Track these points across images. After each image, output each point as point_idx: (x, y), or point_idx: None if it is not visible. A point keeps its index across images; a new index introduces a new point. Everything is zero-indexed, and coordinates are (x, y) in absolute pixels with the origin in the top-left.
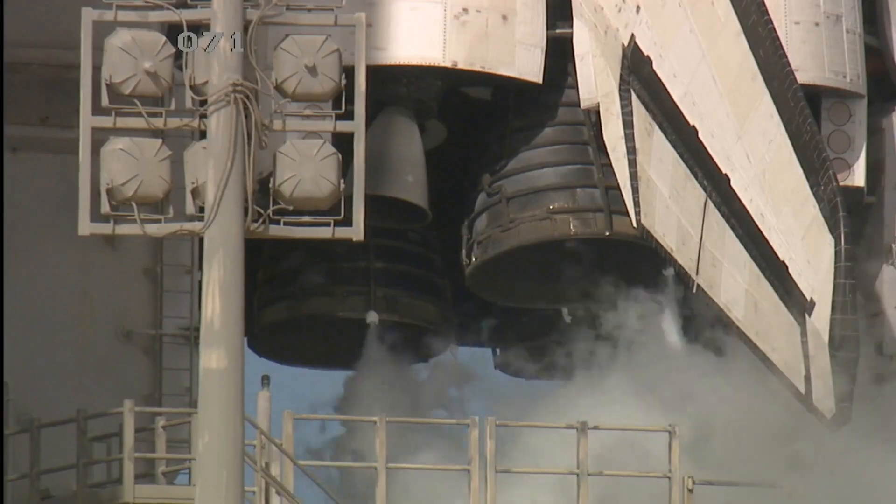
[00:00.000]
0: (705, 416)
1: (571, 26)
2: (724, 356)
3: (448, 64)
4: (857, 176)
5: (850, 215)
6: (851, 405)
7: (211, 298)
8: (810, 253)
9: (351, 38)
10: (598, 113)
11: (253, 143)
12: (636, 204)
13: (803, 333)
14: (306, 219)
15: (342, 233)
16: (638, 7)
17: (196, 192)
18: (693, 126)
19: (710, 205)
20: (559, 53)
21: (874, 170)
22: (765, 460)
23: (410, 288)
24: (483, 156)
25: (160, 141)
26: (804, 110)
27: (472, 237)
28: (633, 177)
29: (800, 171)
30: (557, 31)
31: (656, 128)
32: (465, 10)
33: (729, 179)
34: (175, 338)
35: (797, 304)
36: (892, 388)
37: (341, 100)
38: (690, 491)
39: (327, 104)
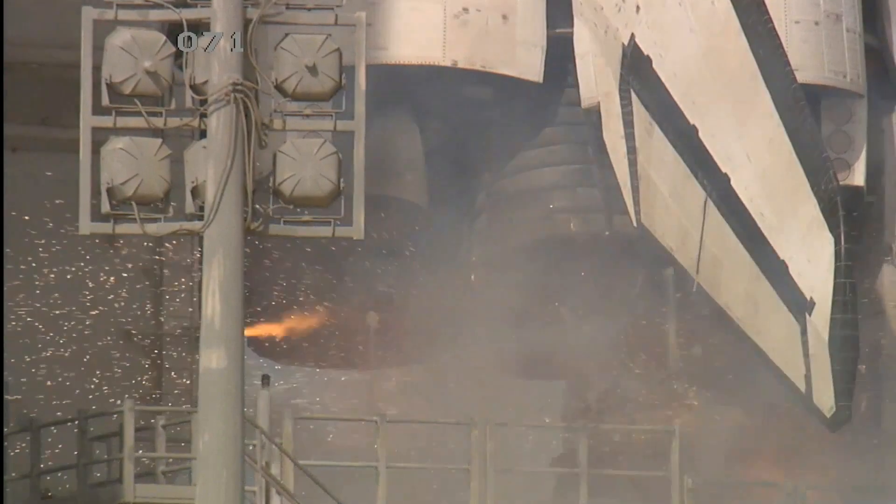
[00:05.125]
0: None
1: (571, 26)
2: None
3: (448, 63)
4: (858, 175)
5: (850, 215)
6: (851, 404)
7: (211, 298)
8: (810, 252)
9: (351, 38)
10: (598, 112)
11: (253, 143)
12: (636, 203)
13: (803, 333)
14: (306, 218)
15: (342, 232)
16: (638, 6)
17: (196, 192)
18: (693, 125)
19: (711, 204)
20: (559, 53)
21: (874, 170)
22: None
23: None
24: (483, 155)
25: (160, 140)
26: (804, 110)
27: (472, 236)
28: (634, 176)
29: (800, 170)
30: (557, 30)
31: (656, 127)
32: (465, 9)
33: (729, 179)
34: (175, 338)
35: (797, 303)
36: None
37: (341, 99)
38: (690, 490)
39: (327, 103)
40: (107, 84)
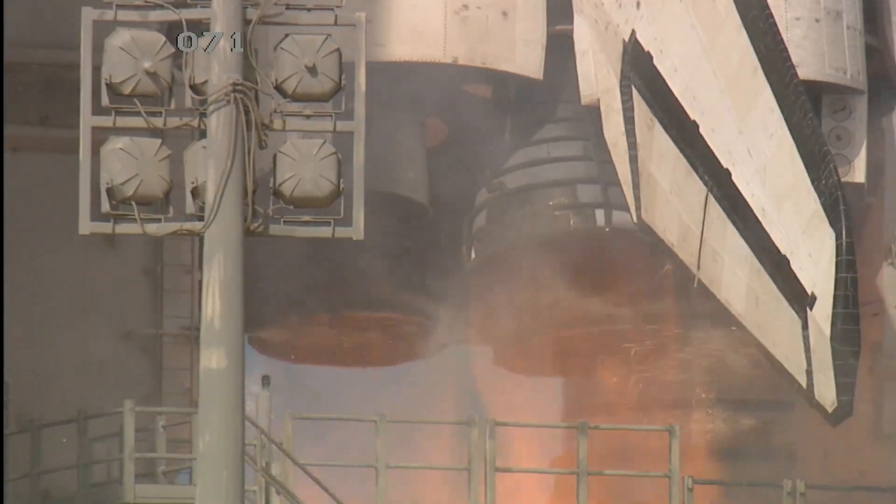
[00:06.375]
0: None
1: (572, 22)
2: None
3: (448, 60)
4: (858, 172)
5: (850, 211)
6: (853, 399)
7: (211, 298)
8: (811, 247)
9: (351, 37)
10: (598, 108)
11: (253, 143)
12: (637, 199)
13: (804, 327)
14: (306, 218)
15: (342, 232)
16: (638, 2)
17: (196, 192)
18: (694, 121)
19: (711, 199)
20: (560, 49)
21: (874, 170)
22: None
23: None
24: (483, 152)
25: (160, 140)
26: (805, 104)
27: (472, 233)
28: (634, 172)
29: (801, 165)
30: (558, 27)
31: (657, 123)
32: (465, 6)
33: (730, 174)
34: (175, 338)
35: (798, 298)
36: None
37: (341, 99)
38: (690, 490)
39: (327, 104)
40: (107, 84)
